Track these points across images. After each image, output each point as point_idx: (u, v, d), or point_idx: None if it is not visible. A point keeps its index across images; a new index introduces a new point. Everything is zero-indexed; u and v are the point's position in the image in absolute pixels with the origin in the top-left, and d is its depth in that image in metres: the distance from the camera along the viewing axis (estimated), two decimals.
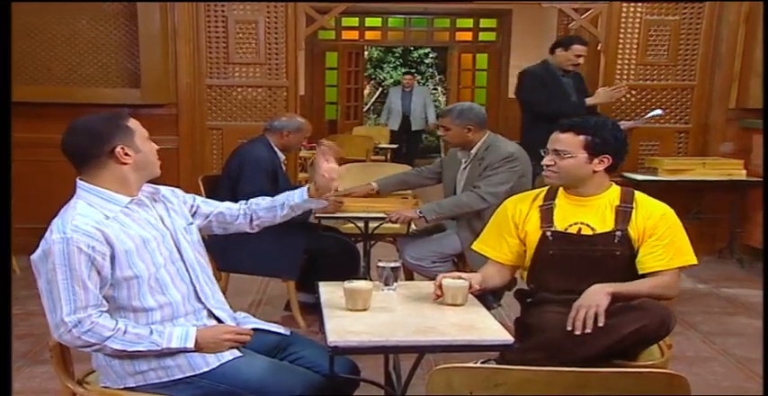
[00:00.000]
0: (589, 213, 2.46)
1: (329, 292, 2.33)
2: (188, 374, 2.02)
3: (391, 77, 14.77)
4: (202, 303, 2.15)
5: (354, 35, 11.30)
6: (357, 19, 11.07)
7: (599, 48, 5.45)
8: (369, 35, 11.46)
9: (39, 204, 4.00)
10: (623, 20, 5.44)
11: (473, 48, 11.24)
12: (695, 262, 2.45)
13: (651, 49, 5.48)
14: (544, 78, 4.77)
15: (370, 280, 2.44)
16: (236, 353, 2.08)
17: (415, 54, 15.11)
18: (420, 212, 3.60)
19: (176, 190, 2.29)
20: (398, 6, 10.28)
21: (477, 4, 9.05)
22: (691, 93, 5.55)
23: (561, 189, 2.52)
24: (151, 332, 1.99)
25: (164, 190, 2.23)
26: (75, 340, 1.93)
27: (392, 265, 2.40)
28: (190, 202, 2.32)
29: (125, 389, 2.04)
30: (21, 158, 4.44)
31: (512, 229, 2.54)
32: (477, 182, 3.58)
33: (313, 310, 3.56)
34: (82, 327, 1.91)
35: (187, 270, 2.13)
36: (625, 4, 5.43)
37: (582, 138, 2.42)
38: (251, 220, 2.40)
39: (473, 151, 3.66)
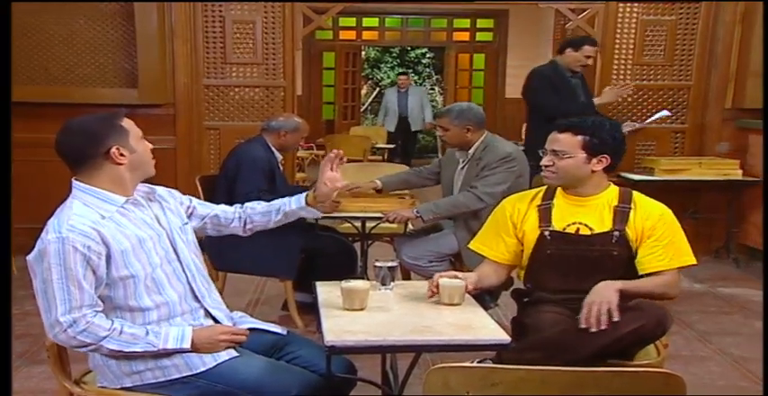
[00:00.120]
0: (587, 213, 2.46)
1: (326, 291, 2.33)
2: (185, 374, 2.02)
3: (388, 77, 14.77)
4: (199, 302, 2.15)
5: (351, 35, 11.31)
6: (354, 19, 11.08)
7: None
8: (366, 35, 11.47)
9: (35, 204, 3.98)
10: (620, 20, 5.45)
11: (470, 48, 11.25)
12: (695, 262, 2.45)
13: (648, 50, 5.49)
14: (553, 79, 4.72)
15: (368, 280, 2.45)
16: (233, 353, 2.08)
17: (413, 54, 15.11)
18: (417, 212, 3.60)
19: (173, 191, 2.30)
20: (395, 6, 10.27)
21: (474, 4, 9.06)
22: (687, 93, 5.56)
23: (560, 189, 2.52)
24: (147, 332, 1.99)
25: (160, 190, 2.23)
26: (71, 340, 1.93)
27: (389, 264, 2.40)
28: (186, 203, 2.32)
29: (122, 389, 2.04)
30: (17, 158, 4.42)
31: (510, 229, 2.55)
32: (474, 182, 3.58)
33: (310, 309, 3.55)
34: (77, 327, 1.91)
35: (183, 270, 2.13)
36: (621, 5, 5.44)
37: (580, 138, 2.42)
38: (245, 224, 2.41)
39: (471, 151, 3.66)
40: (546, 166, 2.48)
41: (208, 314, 2.17)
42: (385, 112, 10.42)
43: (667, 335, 2.40)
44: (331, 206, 3.64)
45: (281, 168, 3.97)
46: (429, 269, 3.54)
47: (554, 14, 7.52)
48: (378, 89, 14.84)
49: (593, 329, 2.20)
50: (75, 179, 2.05)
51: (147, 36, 5.17)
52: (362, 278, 3.07)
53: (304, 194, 2.37)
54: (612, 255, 2.42)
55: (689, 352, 3.66)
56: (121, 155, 2.03)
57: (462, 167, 3.72)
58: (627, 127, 5.10)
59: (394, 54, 15.08)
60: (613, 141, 2.45)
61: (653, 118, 5.32)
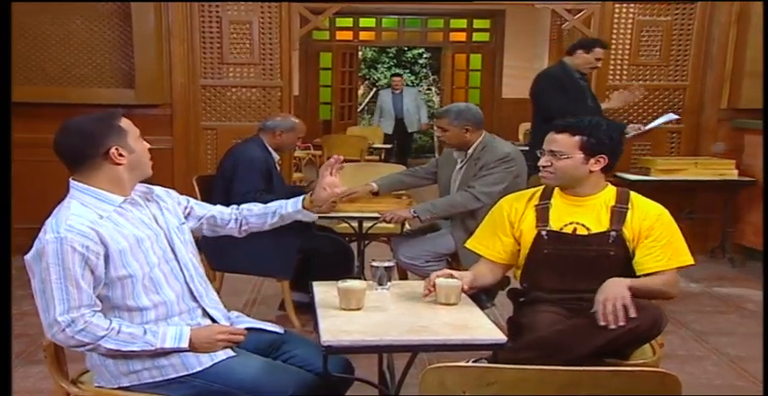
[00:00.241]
0: (585, 213, 2.47)
1: (323, 291, 2.34)
2: (182, 374, 2.03)
3: (385, 78, 14.75)
4: (197, 302, 2.16)
5: (348, 35, 11.31)
6: (351, 19, 11.08)
7: None
8: (363, 35, 11.47)
9: (33, 204, 3.98)
10: (615, 20, 5.46)
11: (467, 48, 11.26)
12: (692, 262, 2.46)
13: (643, 50, 5.51)
14: (562, 80, 4.68)
15: (364, 279, 2.45)
16: (230, 352, 2.09)
17: (409, 54, 15.11)
18: (414, 212, 3.61)
19: (171, 191, 2.30)
20: (392, 7, 10.27)
21: (471, 4, 9.07)
22: (683, 93, 5.57)
23: (557, 189, 2.53)
24: (145, 332, 1.99)
25: (157, 190, 2.24)
26: (69, 340, 1.94)
27: (386, 264, 2.41)
28: (184, 203, 2.32)
29: (119, 388, 2.05)
30: (15, 159, 4.42)
31: (507, 228, 2.55)
32: (471, 182, 3.58)
33: (307, 309, 3.55)
34: (75, 326, 1.92)
35: (181, 269, 2.14)
36: (617, 5, 5.45)
37: (577, 138, 2.43)
38: (240, 226, 2.42)
39: (469, 151, 3.66)
40: (544, 167, 2.49)
41: (205, 314, 2.17)
42: (380, 113, 10.29)
43: (663, 334, 2.41)
44: (328, 206, 3.64)
45: (278, 168, 3.97)
46: (426, 269, 3.54)
47: (550, 15, 7.54)
48: (375, 89, 14.83)
49: (612, 326, 2.21)
50: (73, 179, 2.05)
51: (143, 36, 5.17)
52: (359, 278, 3.06)
53: (301, 198, 2.38)
54: (609, 255, 2.42)
55: (685, 351, 3.67)
56: (120, 155, 2.03)
57: (460, 167, 3.73)
58: (632, 131, 5.08)
59: (391, 54, 15.07)
60: (611, 142, 2.45)
61: (659, 121, 5.28)
